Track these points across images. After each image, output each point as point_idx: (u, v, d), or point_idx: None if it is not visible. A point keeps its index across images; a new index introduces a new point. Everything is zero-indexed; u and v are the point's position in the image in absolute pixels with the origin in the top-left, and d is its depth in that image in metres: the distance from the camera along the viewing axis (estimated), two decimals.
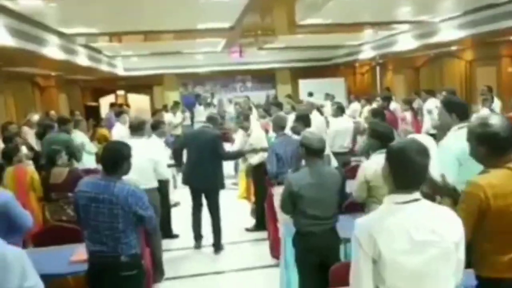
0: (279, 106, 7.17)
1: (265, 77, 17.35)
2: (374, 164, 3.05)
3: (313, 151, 3.09)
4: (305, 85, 15.53)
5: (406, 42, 10.44)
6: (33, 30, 6.39)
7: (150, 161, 4.31)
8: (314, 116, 5.71)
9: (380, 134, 3.12)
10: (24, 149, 5.08)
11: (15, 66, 8.31)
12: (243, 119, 5.91)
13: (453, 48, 10.44)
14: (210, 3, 6.15)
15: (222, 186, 5.27)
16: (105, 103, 15.40)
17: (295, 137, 4.76)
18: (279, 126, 4.98)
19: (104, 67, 11.88)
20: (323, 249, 3.08)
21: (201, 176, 5.05)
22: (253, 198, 6.44)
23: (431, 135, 6.75)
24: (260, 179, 5.83)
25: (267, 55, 14.58)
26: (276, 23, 7.74)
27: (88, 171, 5.98)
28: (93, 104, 15.36)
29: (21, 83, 10.25)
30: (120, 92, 17.01)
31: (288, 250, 3.58)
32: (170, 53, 12.35)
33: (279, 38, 9.20)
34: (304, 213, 3.09)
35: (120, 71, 14.27)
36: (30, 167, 4.32)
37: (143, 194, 2.73)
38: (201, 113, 13.89)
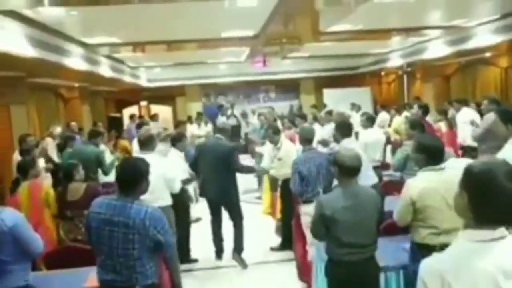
0: (304, 117, 6.84)
1: (288, 87, 17.04)
2: (421, 182, 2.69)
3: (347, 170, 2.75)
4: (329, 95, 15.17)
5: (437, 48, 9.99)
6: (54, 40, 6.28)
7: (160, 177, 4.04)
8: None
9: (428, 148, 2.75)
10: (41, 162, 4.90)
11: (38, 77, 8.25)
12: (272, 132, 5.49)
13: (488, 54, 9.93)
14: (234, 10, 5.92)
15: (237, 197, 5.24)
16: (128, 114, 15.43)
17: (324, 150, 4.43)
18: (305, 139, 4.54)
19: (127, 78, 11.83)
20: (361, 281, 2.73)
21: (217, 189, 5.00)
22: (278, 214, 6.10)
23: (468, 147, 6.33)
24: (287, 194, 5.50)
25: (291, 65, 14.32)
26: (301, 31, 7.46)
27: (108, 185, 5.81)
28: (116, 115, 15.38)
29: (44, 94, 10.25)
30: (143, 103, 17.01)
31: (320, 278, 3.24)
32: (193, 63, 12.23)
33: (305, 47, 8.91)
34: (338, 240, 2.73)
35: (143, 82, 14.24)
36: (45, 182, 4.11)
37: (163, 217, 2.45)
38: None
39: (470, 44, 8.63)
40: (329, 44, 9.69)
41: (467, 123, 6.65)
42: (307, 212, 4.11)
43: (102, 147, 6.51)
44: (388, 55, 12.68)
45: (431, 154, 2.72)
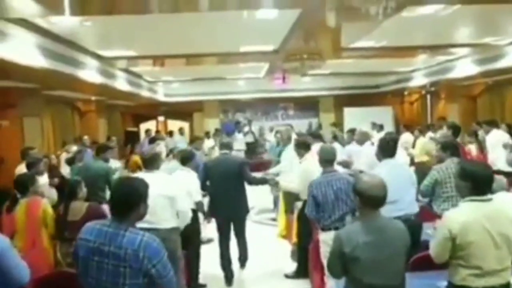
0: (318, 137, 6.25)
1: (307, 105, 16.74)
2: (464, 215, 2.32)
3: (371, 201, 2.36)
4: (350, 113, 14.84)
5: (464, 68, 9.55)
6: (68, 51, 6.13)
7: (163, 197, 3.76)
8: (367, 148, 4.93)
9: (474, 176, 2.37)
10: (45, 178, 4.66)
11: (53, 89, 8.16)
12: (300, 147, 4.99)
13: None
14: (254, 24, 5.69)
15: (247, 211, 5.20)
16: (145, 129, 15.35)
17: (345, 171, 4.04)
18: (325, 160, 4.04)
19: (145, 93, 11.71)
20: None
21: (229, 205, 4.97)
22: (294, 238, 5.72)
23: (498, 171, 5.85)
24: (305, 216, 5.14)
25: (310, 82, 14.04)
26: (323, 46, 7.16)
27: None
28: (133, 129, 15.29)
29: (60, 107, 10.19)
30: (161, 118, 16.94)
31: None
32: (211, 79, 12.05)
33: (325, 63, 8.61)
34: (359, 282, 2.34)
35: (160, 97, 14.14)
36: (44, 200, 3.84)
37: (160, 248, 2.11)
38: (240, 141, 13.50)
39: (501, 64, 8.19)
40: (350, 61, 9.40)
41: (498, 146, 6.21)
42: (325, 241, 3.74)
43: (116, 163, 6.29)
44: (411, 73, 12.27)
45: (477, 183, 2.34)
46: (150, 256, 2.03)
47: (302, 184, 4.97)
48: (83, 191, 3.94)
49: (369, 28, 6.07)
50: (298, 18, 5.50)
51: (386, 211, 2.41)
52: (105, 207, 4.82)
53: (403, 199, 3.72)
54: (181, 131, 14.13)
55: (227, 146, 5.37)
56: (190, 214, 4.10)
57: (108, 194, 5.78)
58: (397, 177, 3.75)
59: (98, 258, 2.05)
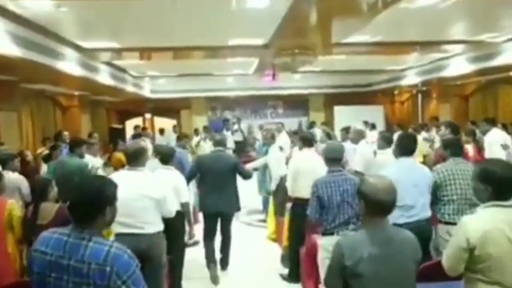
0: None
1: (297, 103, 16.47)
2: (484, 223, 2.02)
3: (377, 207, 2.02)
4: (341, 112, 14.66)
5: (458, 66, 9.35)
6: (45, 40, 5.72)
7: (148, 199, 3.38)
8: (362, 147, 4.63)
9: (498, 178, 2.05)
10: (11, 175, 4.27)
11: (29, 82, 7.72)
12: (303, 143, 4.84)
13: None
14: (243, 14, 5.36)
15: (239, 209, 5.20)
16: (130, 126, 14.88)
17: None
18: (331, 159, 3.68)
19: (130, 88, 11.29)
20: None
21: (222, 201, 4.92)
22: (284, 242, 5.41)
23: None
24: (296, 218, 4.87)
25: (300, 80, 13.76)
26: (316, 41, 6.86)
27: None
28: (118, 126, 14.81)
29: (41, 101, 9.73)
30: (147, 116, 16.50)
31: None
32: (199, 75, 11.70)
33: (316, 60, 8.31)
34: None
35: (146, 93, 13.72)
36: (10, 200, 3.46)
37: (131, 261, 1.76)
38: (229, 140, 13.17)
39: (497, 61, 7.99)
40: (342, 58, 9.13)
41: (496, 145, 5.98)
42: (325, 246, 3.44)
43: (97, 160, 5.91)
44: (403, 72, 12.06)
45: (499, 186, 2.03)
46: (119, 271, 1.68)
47: (291, 181, 4.80)
48: (54, 190, 3.57)
49: (364, 21, 5.78)
50: (290, 8, 5.20)
51: (397, 217, 2.10)
52: None
53: (417, 204, 3.44)
54: (175, 128, 13.77)
55: (221, 143, 5.28)
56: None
57: None
58: (411, 178, 3.47)
59: (56, 274, 1.70)
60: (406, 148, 3.64)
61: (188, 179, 4.99)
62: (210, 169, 4.95)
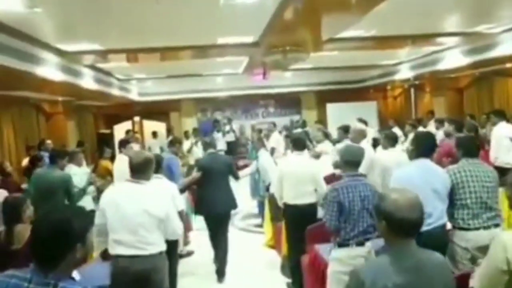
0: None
1: (289, 102, 16.18)
2: None
3: (402, 227, 1.71)
4: (333, 109, 14.40)
5: (453, 59, 9.12)
6: (19, 44, 5.34)
7: (150, 216, 3.00)
8: (364, 147, 4.28)
9: None
10: None
11: (10, 89, 7.32)
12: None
13: (508, 65, 9.06)
14: (232, 10, 5.05)
15: (236, 206, 5.29)
16: (119, 131, 14.47)
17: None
18: (348, 162, 3.34)
19: (116, 92, 10.91)
20: None
21: (222, 201, 5.07)
22: (284, 250, 5.12)
23: (501, 169, 5.38)
24: (291, 225, 4.62)
25: (291, 78, 13.49)
26: (308, 37, 6.55)
27: None
28: (106, 131, 14.39)
29: (23, 108, 9.31)
30: (136, 119, 16.07)
31: None
32: (187, 76, 11.35)
33: (309, 56, 8.01)
34: None
35: (134, 96, 13.35)
36: None
37: None
38: (220, 141, 12.84)
39: (494, 53, 7.76)
40: (335, 53, 8.86)
41: (505, 139, 5.70)
42: (341, 259, 3.14)
43: (83, 169, 5.55)
44: (396, 66, 11.83)
45: None
46: None
47: (277, 187, 4.60)
48: (30, 209, 3.22)
49: (359, 15, 5.49)
50: (280, 3, 4.90)
51: None
52: None
53: (435, 210, 3.14)
54: (171, 131, 13.38)
55: (211, 145, 5.41)
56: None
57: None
58: (430, 182, 3.16)
59: None
60: (425, 148, 3.31)
61: (194, 184, 5.22)
62: (210, 170, 5.05)
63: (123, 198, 3.03)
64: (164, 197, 3.23)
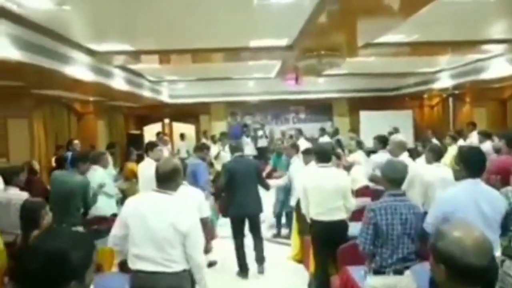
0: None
1: (320, 108, 15.79)
2: None
3: (467, 274, 1.39)
4: (366, 117, 13.93)
5: (498, 68, 8.56)
6: (50, 43, 5.27)
7: (175, 230, 2.71)
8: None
9: None
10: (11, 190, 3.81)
11: (41, 88, 7.33)
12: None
13: None
14: (266, 11, 4.81)
15: (262, 210, 5.44)
16: (149, 132, 14.49)
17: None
18: (392, 179, 2.97)
19: (147, 93, 10.87)
20: None
21: (248, 203, 5.20)
22: (311, 267, 4.80)
23: None
24: (317, 242, 4.36)
25: (324, 84, 13.14)
26: (345, 41, 6.23)
27: (100, 220, 4.75)
28: (136, 132, 14.44)
29: (55, 108, 9.37)
30: (166, 121, 16.10)
31: None
32: (218, 79, 11.20)
33: (345, 61, 7.68)
34: None
35: (164, 98, 13.31)
36: None
37: None
38: (249, 146, 12.60)
39: None
40: (371, 59, 8.48)
41: None
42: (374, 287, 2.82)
43: (101, 171, 5.41)
44: (436, 74, 11.29)
45: None
46: None
47: (303, 200, 4.43)
48: (49, 216, 3.07)
49: (400, 19, 5.15)
50: (317, 4, 4.62)
51: None
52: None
53: None
54: (205, 134, 13.13)
55: (239, 148, 5.53)
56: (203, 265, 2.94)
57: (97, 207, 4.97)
58: (482, 208, 2.75)
59: None
60: (474, 166, 2.85)
61: (222, 190, 5.37)
62: (236, 174, 5.16)
63: (148, 209, 2.76)
64: (191, 211, 2.91)
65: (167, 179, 2.84)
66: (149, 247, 2.70)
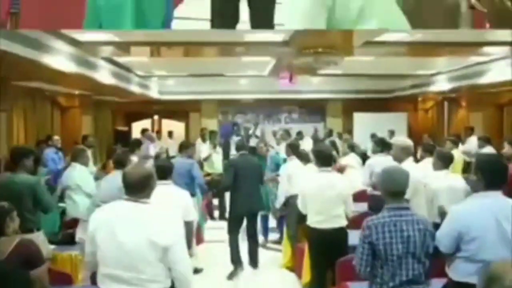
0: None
1: (313, 109, 15.53)
2: None
3: None
4: (361, 119, 13.69)
5: (498, 72, 8.34)
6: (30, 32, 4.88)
7: (151, 244, 2.30)
8: (409, 168, 3.52)
9: None
10: None
11: (21, 79, 6.90)
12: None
13: None
14: None
15: (263, 207, 5.65)
16: (137, 128, 14.06)
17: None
18: (391, 193, 2.54)
19: (135, 89, 10.49)
20: None
21: (250, 201, 5.20)
22: (305, 276, 4.48)
23: None
24: (313, 251, 4.06)
25: (317, 84, 12.92)
26: (345, 38, 5.92)
27: (77, 223, 4.43)
28: (124, 129, 14.01)
29: (36, 101, 8.93)
30: (155, 118, 15.69)
31: None
32: (210, 75, 10.85)
33: (343, 60, 7.38)
34: None
35: (154, 94, 12.92)
36: None
37: None
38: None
39: None
40: (369, 60, 8.23)
41: None
42: None
43: (81, 169, 5.01)
44: (433, 77, 11.06)
45: None
46: None
47: (301, 205, 4.12)
48: (15, 222, 2.71)
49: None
50: None
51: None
52: (37, 236, 3.59)
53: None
54: (202, 131, 10.43)
55: (244, 147, 5.71)
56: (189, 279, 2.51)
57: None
58: (501, 226, 2.42)
59: None
60: (494, 177, 2.51)
61: (227, 187, 5.40)
62: (243, 170, 5.17)
63: (119, 222, 2.32)
64: (174, 220, 2.47)
65: (137, 188, 2.38)
66: (121, 268, 2.28)
